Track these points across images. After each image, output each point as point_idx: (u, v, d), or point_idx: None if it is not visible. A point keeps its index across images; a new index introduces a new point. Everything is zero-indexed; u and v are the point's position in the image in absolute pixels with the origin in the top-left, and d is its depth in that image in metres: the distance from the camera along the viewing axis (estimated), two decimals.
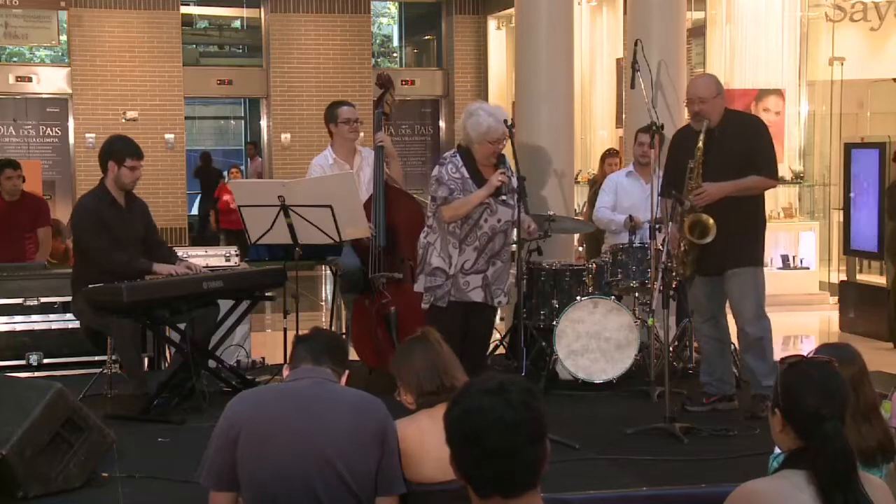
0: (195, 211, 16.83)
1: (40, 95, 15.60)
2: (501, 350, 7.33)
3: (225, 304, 6.37)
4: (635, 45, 6.72)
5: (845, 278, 10.41)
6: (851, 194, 9.83)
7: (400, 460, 3.23)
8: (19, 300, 7.13)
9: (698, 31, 12.40)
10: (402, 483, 3.22)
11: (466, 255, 5.72)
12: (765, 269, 6.17)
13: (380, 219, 6.35)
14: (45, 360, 7.04)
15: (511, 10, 10.68)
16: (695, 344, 6.84)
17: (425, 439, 3.19)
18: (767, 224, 6.21)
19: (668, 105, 7.70)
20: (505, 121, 5.68)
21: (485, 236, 5.73)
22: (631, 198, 7.11)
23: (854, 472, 2.51)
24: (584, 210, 10.90)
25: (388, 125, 6.74)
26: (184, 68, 15.73)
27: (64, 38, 15.58)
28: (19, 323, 7.11)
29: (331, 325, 7.21)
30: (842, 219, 10.53)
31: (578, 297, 6.64)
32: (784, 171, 10.88)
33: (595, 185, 10.15)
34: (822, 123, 12.52)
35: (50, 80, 15.54)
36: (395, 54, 18.97)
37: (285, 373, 3.37)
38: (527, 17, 8.17)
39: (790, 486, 2.51)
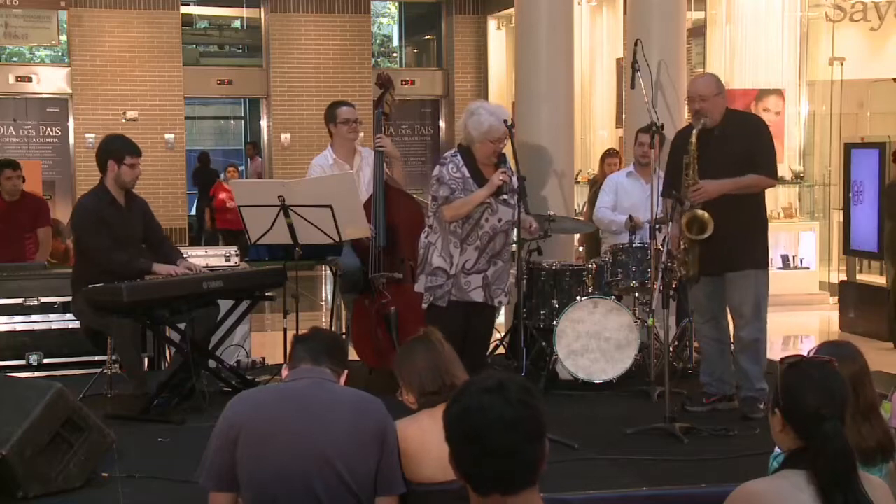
0: (194, 211, 16.84)
1: (40, 95, 15.60)
2: (501, 350, 7.33)
3: (225, 304, 6.37)
4: (635, 45, 6.72)
5: (845, 278, 10.41)
6: (851, 194, 9.83)
7: (400, 460, 3.23)
8: (19, 300, 7.13)
9: (698, 31, 12.40)
10: (401, 483, 3.22)
11: (467, 254, 5.72)
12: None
13: (380, 219, 6.35)
14: (45, 360, 7.04)
15: (511, 10, 10.68)
16: (695, 344, 6.84)
17: (426, 439, 3.19)
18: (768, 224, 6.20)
19: (668, 105, 7.70)
20: (505, 121, 5.68)
21: (486, 236, 5.73)
22: (631, 198, 7.11)
23: (854, 472, 2.51)
24: (584, 210, 10.90)
25: (388, 125, 6.74)
26: (184, 68, 15.73)
27: (64, 38, 15.59)
28: (19, 323, 7.11)
29: (331, 325, 7.21)
30: (842, 219, 10.53)
31: (578, 297, 6.64)
32: (784, 171, 10.89)
33: (595, 185, 10.15)
34: (822, 123, 12.52)
35: (50, 80, 15.55)
36: (395, 54, 18.98)
37: (284, 373, 3.37)
38: (527, 17, 8.17)
39: (790, 486, 2.51)
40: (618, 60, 13.19)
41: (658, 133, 6.10)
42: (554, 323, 6.54)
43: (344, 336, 6.72)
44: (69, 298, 6.47)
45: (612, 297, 6.65)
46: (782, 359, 2.68)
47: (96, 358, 6.72)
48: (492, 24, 16.67)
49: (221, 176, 15.86)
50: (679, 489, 4.65)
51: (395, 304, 6.29)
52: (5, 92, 15.35)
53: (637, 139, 7.22)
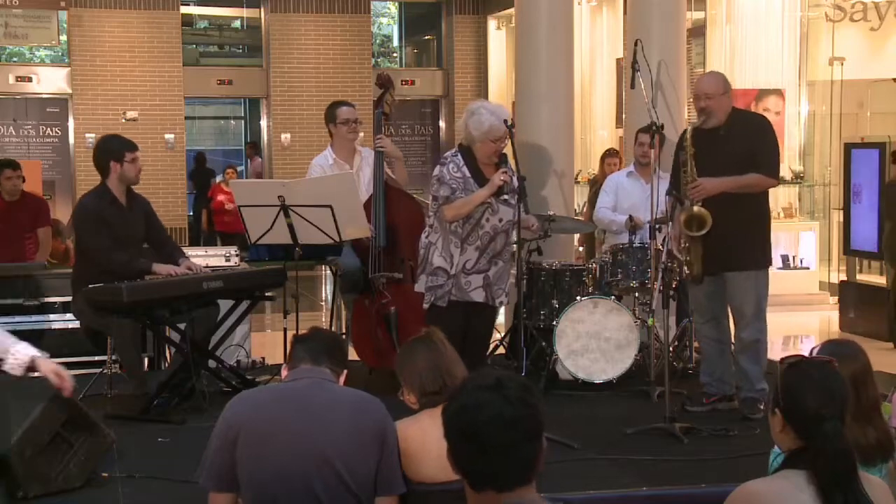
0: (191, 212, 16.82)
1: (40, 95, 15.60)
2: (501, 350, 7.32)
3: (225, 304, 6.37)
4: (635, 45, 6.71)
5: (845, 278, 10.41)
6: (851, 194, 9.83)
7: (400, 460, 3.23)
8: (19, 300, 7.13)
9: (698, 31, 12.40)
10: (401, 483, 3.22)
11: (468, 254, 5.71)
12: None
13: (380, 219, 6.35)
14: None
15: (511, 10, 10.68)
16: (695, 344, 6.84)
17: (427, 439, 3.19)
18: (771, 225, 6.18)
19: (668, 105, 7.70)
20: (505, 121, 5.68)
21: (486, 236, 5.72)
22: (631, 198, 7.11)
23: (854, 472, 2.52)
24: (585, 210, 10.91)
25: (388, 125, 6.74)
26: (184, 68, 15.73)
27: (64, 38, 15.59)
28: (19, 323, 7.11)
29: (331, 325, 7.21)
30: (842, 219, 10.54)
31: (578, 297, 6.64)
32: (784, 171, 10.88)
33: (595, 185, 10.16)
34: (822, 123, 12.52)
35: (50, 80, 15.55)
36: (395, 54, 18.98)
37: (284, 373, 3.37)
38: (527, 17, 8.17)
39: (790, 486, 2.51)
40: (618, 60, 13.20)
41: (658, 133, 6.09)
42: (554, 323, 6.54)
43: (344, 336, 6.72)
44: (69, 298, 6.46)
45: (612, 297, 6.65)
46: (782, 359, 2.68)
47: (96, 358, 6.72)
48: (492, 24, 16.67)
49: (220, 177, 15.85)
50: (679, 489, 4.65)
51: (395, 304, 6.29)
52: (5, 92, 15.36)
53: (637, 139, 7.22)
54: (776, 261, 11.44)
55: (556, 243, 7.41)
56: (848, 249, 10.14)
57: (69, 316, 6.78)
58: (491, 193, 5.62)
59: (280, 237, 6.11)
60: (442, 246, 5.74)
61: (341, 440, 3.12)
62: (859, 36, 12.02)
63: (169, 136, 15.60)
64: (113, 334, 6.09)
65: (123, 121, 15.06)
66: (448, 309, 5.70)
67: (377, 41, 18.18)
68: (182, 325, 5.96)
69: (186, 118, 16.51)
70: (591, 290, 6.79)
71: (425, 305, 5.75)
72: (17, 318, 7.11)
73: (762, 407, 5.63)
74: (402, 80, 16.24)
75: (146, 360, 6.91)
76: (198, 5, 17.20)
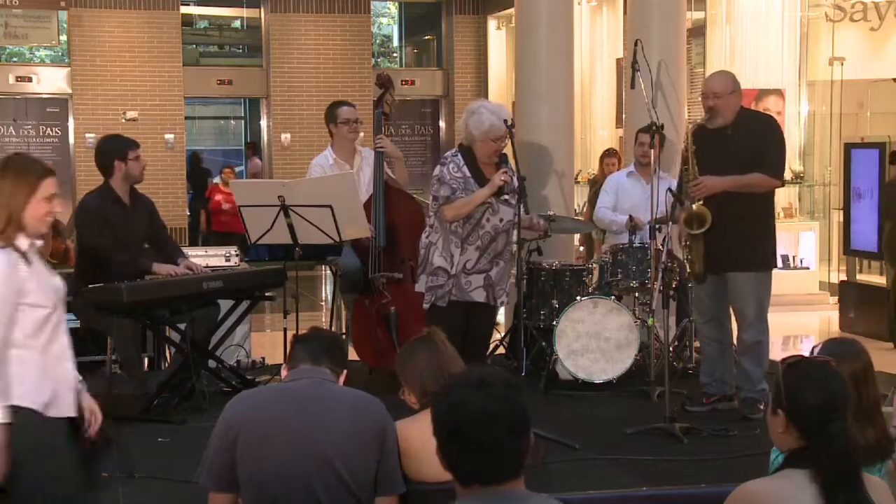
0: (188, 212, 16.80)
1: (40, 95, 15.60)
2: (501, 350, 7.33)
3: (225, 304, 6.36)
4: (635, 45, 6.71)
5: (845, 278, 10.41)
6: (851, 194, 9.83)
7: (400, 460, 3.23)
8: None
9: (698, 31, 12.40)
10: (401, 483, 3.22)
11: (468, 254, 5.71)
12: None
13: (380, 219, 6.35)
14: None
15: (511, 10, 10.68)
16: (695, 344, 6.84)
17: (427, 439, 3.17)
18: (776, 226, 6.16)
19: (668, 105, 7.70)
20: (505, 121, 5.68)
21: (487, 236, 5.72)
22: (632, 198, 7.11)
23: (858, 472, 2.52)
24: (585, 210, 10.91)
25: (388, 125, 6.74)
26: (184, 68, 15.73)
27: (64, 38, 15.59)
28: None
29: (331, 325, 7.22)
30: (842, 219, 10.53)
31: (578, 297, 6.64)
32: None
33: (595, 185, 10.16)
34: (822, 123, 12.52)
35: (50, 80, 15.54)
36: (395, 54, 18.97)
37: (284, 373, 3.37)
38: (527, 17, 8.17)
39: (791, 486, 2.51)
40: (618, 60, 13.19)
41: (658, 133, 6.09)
42: (554, 323, 6.54)
43: (344, 336, 6.72)
44: (69, 298, 6.45)
45: (612, 297, 6.65)
46: (782, 359, 2.68)
47: (96, 358, 6.71)
48: (492, 24, 16.67)
49: (217, 179, 15.83)
50: (679, 489, 4.65)
51: (395, 304, 6.29)
52: (5, 92, 15.35)
53: (637, 139, 7.22)
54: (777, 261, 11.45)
55: (556, 243, 7.42)
56: (848, 249, 10.13)
57: (69, 316, 6.75)
58: (491, 193, 5.62)
59: (280, 237, 6.11)
60: (442, 246, 5.74)
61: (341, 440, 3.12)
62: (859, 36, 12.02)
63: (169, 136, 15.59)
64: (113, 334, 6.09)
65: (123, 121, 15.05)
66: (448, 309, 5.70)
67: (377, 41, 18.18)
68: (182, 325, 5.96)
69: (186, 118, 16.50)
70: (591, 290, 6.79)
71: (425, 305, 5.75)
72: None
73: (762, 407, 5.63)
74: (402, 80, 16.23)
75: (146, 360, 6.91)
76: (198, 5, 17.20)
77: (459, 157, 5.74)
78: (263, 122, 16.68)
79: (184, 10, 16.05)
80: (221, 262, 7.21)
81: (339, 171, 6.61)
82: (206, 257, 7.18)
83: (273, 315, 9.52)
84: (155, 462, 4.99)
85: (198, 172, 16.61)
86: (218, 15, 17.63)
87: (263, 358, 7.42)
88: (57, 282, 3.61)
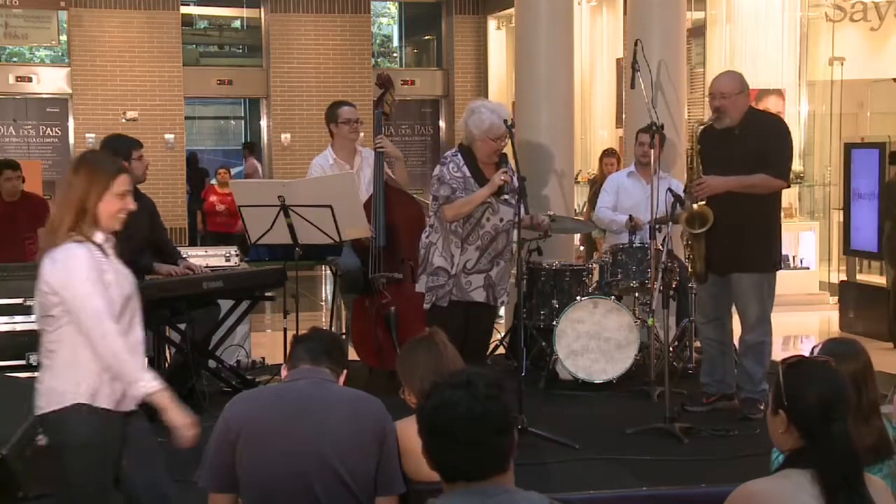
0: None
1: (40, 95, 15.60)
2: (501, 350, 7.33)
3: (225, 304, 6.36)
4: (635, 45, 6.71)
5: (845, 278, 10.41)
6: (851, 194, 9.83)
7: (400, 460, 3.23)
8: (19, 300, 7.11)
9: (698, 31, 12.40)
10: (401, 483, 3.22)
11: (468, 254, 5.71)
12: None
13: (380, 219, 6.35)
14: None
15: (511, 10, 10.69)
16: (695, 344, 6.84)
17: None
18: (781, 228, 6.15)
19: (668, 105, 7.70)
20: (505, 121, 5.67)
21: (487, 235, 5.71)
22: (632, 198, 7.11)
23: (860, 473, 2.52)
24: (585, 210, 10.91)
25: (388, 125, 6.74)
26: (184, 68, 15.73)
27: (64, 38, 15.59)
28: (19, 323, 7.09)
29: (331, 325, 7.22)
30: (842, 219, 10.53)
31: (578, 297, 6.64)
32: None
33: (595, 185, 10.16)
34: (822, 123, 12.52)
35: (50, 80, 15.54)
36: (395, 54, 18.97)
37: (283, 373, 3.37)
38: (527, 17, 8.17)
39: (791, 486, 2.51)
40: (618, 60, 13.20)
41: (658, 133, 6.10)
42: (554, 323, 6.54)
43: (344, 336, 6.72)
44: None
45: (612, 297, 6.65)
46: (783, 360, 2.67)
47: None
48: (492, 24, 16.67)
49: (213, 180, 15.82)
50: (679, 489, 4.65)
51: (395, 304, 6.29)
52: (5, 92, 15.35)
53: (637, 139, 7.22)
54: None
55: (556, 243, 7.42)
56: (848, 249, 10.13)
57: None
58: (491, 193, 5.61)
59: (280, 237, 6.11)
60: (442, 246, 5.73)
61: (341, 440, 3.12)
62: (859, 36, 12.02)
63: (169, 136, 15.60)
64: None
65: (123, 121, 15.06)
66: (449, 309, 5.70)
67: (377, 41, 18.18)
68: (182, 325, 5.96)
69: (186, 118, 16.50)
70: (591, 290, 6.79)
71: (426, 305, 5.75)
72: (17, 318, 7.10)
73: (762, 407, 5.63)
74: (402, 80, 16.23)
75: (146, 360, 6.90)
76: (198, 5, 17.20)
77: (459, 156, 5.73)
78: (263, 122, 16.68)
79: (184, 10, 16.06)
80: (221, 262, 7.20)
81: (339, 171, 6.61)
82: (206, 257, 7.18)
83: (273, 315, 9.52)
84: None
85: (195, 173, 16.60)
86: (218, 15, 17.63)
87: (263, 358, 7.42)
88: (131, 276, 3.69)
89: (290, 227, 6.04)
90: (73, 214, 3.49)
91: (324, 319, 9.75)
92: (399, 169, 6.61)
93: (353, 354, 6.10)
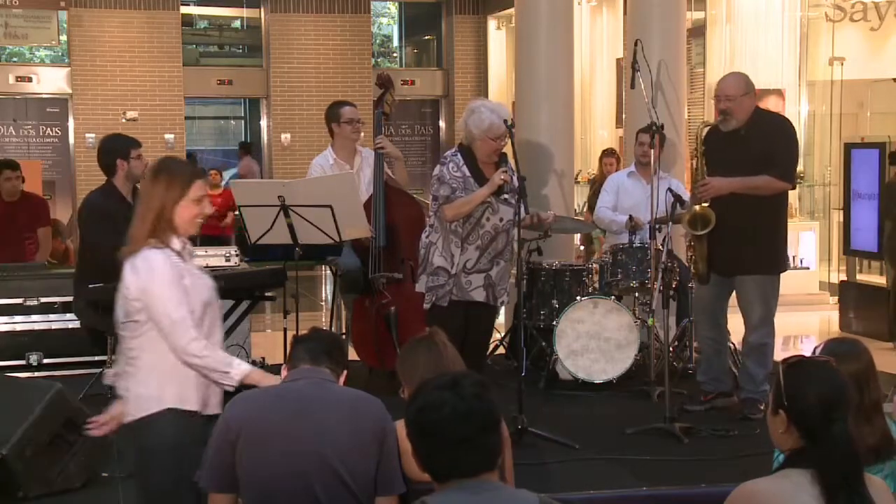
0: None
1: (40, 95, 15.59)
2: (501, 350, 7.33)
3: (225, 304, 6.36)
4: (635, 45, 6.71)
5: (845, 278, 10.41)
6: (851, 194, 9.83)
7: (400, 460, 3.23)
8: (19, 300, 7.13)
9: (698, 31, 12.40)
10: (402, 483, 3.22)
11: (468, 254, 5.70)
12: None
13: (380, 219, 6.35)
14: (45, 360, 7.04)
15: (511, 10, 10.68)
16: (695, 344, 6.85)
17: None
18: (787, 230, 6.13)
19: (668, 105, 7.70)
20: (505, 121, 5.67)
21: (487, 235, 5.71)
22: (632, 198, 7.10)
23: (861, 473, 2.52)
24: (585, 210, 10.91)
25: (388, 125, 6.74)
26: (184, 68, 15.73)
27: (64, 38, 15.58)
28: (19, 323, 7.11)
29: (331, 325, 7.22)
30: (842, 219, 10.53)
31: (578, 297, 6.64)
32: None
33: (595, 184, 10.16)
34: (822, 123, 12.52)
35: (50, 80, 15.54)
36: (395, 54, 18.96)
37: (283, 373, 3.37)
38: (527, 17, 8.17)
39: (791, 486, 2.51)
40: (618, 60, 13.19)
41: (658, 133, 6.09)
42: (554, 323, 6.54)
43: (344, 336, 6.72)
44: (69, 298, 6.46)
45: (612, 297, 6.65)
46: (783, 360, 2.67)
47: (96, 358, 6.72)
48: (492, 24, 16.67)
49: None
50: (679, 489, 4.65)
51: (395, 304, 6.29)
52: (5, 92, 15.35)
53: (637, 139, 7.21)
54: None
55: (556, 243, 7.42)
56: (848, 249, 10.13)
57: (69, 316, 6.77)
58: (491, 192, 5.61)
59: (280, 237, 6.11)
60: (442, 246, 5.73)
61: (341, 440, 3.12)
62: (859, 36, 12.02)
63: (169, 137, 15.59)
64: (114, 334, 6.07)
65: (123, 121, 15.05)
66: (449, 309, 5.70)
67: (377, 41, 18.17)
68: None
69: (186, 118, 16.50)
70: (591, 290, 6.79)
71: (426, 305, 5.74)
72: (17, 318, 7.11)
73: (762, 407, 5.63)
74: (402, 80, 16.22)
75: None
76: (198, 5, 17.20)
77: (459, 156, 5.73)
78: (263, 122, 16.68)
79: (184, 10, 16.05)
80: (221, 262, 7.21)
81: (340, 171, 6.61)
82: (206, 257, 7.18)
83: (273, 315, 9.52)
84: None
85: None
86: (218, 15, 17.62)
87: (263, 358, 7.41)
88: (209, 281, 3.73)
89: (290, 227, 6.03)
90: (152, 222, 3.58)
91: (324, 319, 9.74)
92: (399, 169, 6.61)
93: (353, 354, 6.10)
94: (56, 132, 15.58)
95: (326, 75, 16.01)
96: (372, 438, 3.16)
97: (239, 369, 3.55)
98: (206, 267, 6.51)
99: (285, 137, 15.98)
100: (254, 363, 7.22)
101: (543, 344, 6.73)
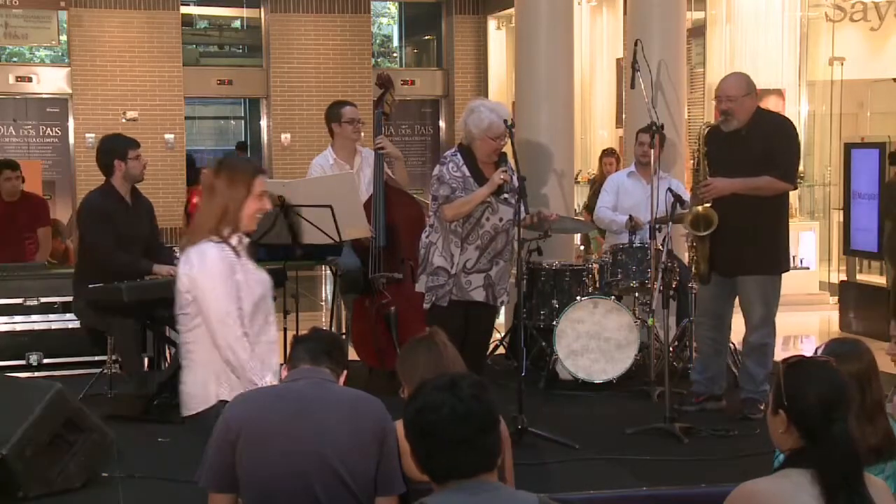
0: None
1: (40, 95, 15.59)
2: (501, 350, 7.33)
3: None
4: (635, 45, 6.71)
5: (845, 278, 10.41)
6: (851, 194, 9.83)
7: (400, 460, 3.23)
8: (19, 300, 7.13)
9: (698, 31, 12.40)
10: (401, 483, 3.22)
11: (468, 254, 5.70)
12: None
13: (380, 219, 6.35)
14: (45, 360, 7.04)
15: (511, 10, 10.68)
16: (694, 344, 6.84)
17: None
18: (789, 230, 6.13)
19: (668, 105, 7.70)
20: (505, 121, 5.67)
21: (487, 235, 5.71)
22: (632, 198, 7.10)
23: (861, 473, 2.52)
24: (582, 210, 10.91)
25: (388, 125, 6.74)
26: (184, 68, 15.72)
27: (64, 38, 15.58)
28: (19, 323, 7.11)
29: (331, 325, 7.21)
30: (842, 219, 10.53)
31: (578, 297, 6.64)
32: None
33: (595, 184, 10.16)
34: (822, 123, 12.52)
35: (50, 80, 15.53)
36: (395, 54, 18.96)
37: (283, 373, 3.37)
38: (527, 17, 8.17)
39: (791, 486, 2.51)
40: (618, 60, 13.19)
41: (658, 133, 6.10)
42: (554, 323, 6.54)
43: (344, 336, 6.72)
44: (69, 298, 6.46)
45: (612, 297, 6.65)
46: (783, 360, 2.67)
47: (96, 358, 6.72)
48: (492, 24, 16.66)
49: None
50: (679, 489, 4.65)
51: (395, 304, 6.29)
52: (5, 92, 15.34)
53: (637, 139, 7.21)
54: None
55: (556, 243, 7.41)
56: (848, 249, 10.13)
57: (69, 316, 6.77)
58: (491, 192, 5.61)
59: (280, 237, 6.11)
60: (442, 245, 5.73)
61: (341, 440, 3.12)
62: (859, 36, 12.02)
63: (169, 137, 15.59)
64: (113, 334, 6.09)
65: (123, 121, 15.05)
66: (449, 308, 5.70)
67: (377, 41, 18.17)
68: None
69: (186, 118, 16.49)
70: (591, 290, 6.78)
71: (426, 305, 5.74)
72: (17, 318, 7.11)
73: (762, 407, 5.63)
74: (402, 80, 16.21)
75: (146, 360, 6.91)
76: (198, 5, 17.19)
77: (459, 156, 5.73)
78: (263, 123, 16.67)
79: (184, 10, 16.05)
80: None
81: (340, 171, 6.61)
82: None
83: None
84: (155, 462, 4.99)
85: (192, 173, 16.57)
86: (218, 15, 17.62)
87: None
88: (264, 276, 3.78)
89: (291, 227, 6.04)
90: (217, 218, 3.61)
91: (324, 319, 9.74)
92: (399, 169, 6.61)
93: (353, 354, 6.10)
94: (56, 132, 15.58)
95: (326, 75, 16.01)
96: (372, 438, 3.16)
97: (263, 382, 3.62)
98: None
99: (285, 137, 15.97)
100: None
101: (543, 344, 6.73)
